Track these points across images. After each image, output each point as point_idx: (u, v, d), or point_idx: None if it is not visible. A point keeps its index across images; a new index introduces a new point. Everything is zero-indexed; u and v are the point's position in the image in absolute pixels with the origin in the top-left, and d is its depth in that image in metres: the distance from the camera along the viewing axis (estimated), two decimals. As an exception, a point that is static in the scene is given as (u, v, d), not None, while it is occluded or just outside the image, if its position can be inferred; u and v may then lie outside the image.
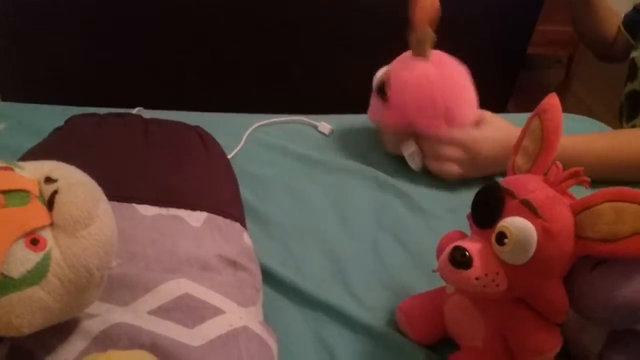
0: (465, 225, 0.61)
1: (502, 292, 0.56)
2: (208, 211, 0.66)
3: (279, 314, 0.67)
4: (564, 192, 0.56)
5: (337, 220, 0.83)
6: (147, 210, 0.63)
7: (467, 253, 0.55)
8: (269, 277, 0.70)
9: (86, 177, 0.45)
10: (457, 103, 0.89)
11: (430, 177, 0.92)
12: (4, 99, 1.12)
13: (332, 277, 0.73)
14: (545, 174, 0.58)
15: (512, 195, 0.55)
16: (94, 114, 0.78)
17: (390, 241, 0.80)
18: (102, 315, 0.49)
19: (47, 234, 0.40)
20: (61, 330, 0.47)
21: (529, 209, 0.53)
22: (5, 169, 0.43)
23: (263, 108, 1.06)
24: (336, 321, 0.67)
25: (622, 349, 0.59)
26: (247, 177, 0.86)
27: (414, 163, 0.92)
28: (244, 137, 0.97)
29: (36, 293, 0.39)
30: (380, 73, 0.92)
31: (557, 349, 0.57)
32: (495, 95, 1.00)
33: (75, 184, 0.43)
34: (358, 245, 0.79)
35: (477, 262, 0.54)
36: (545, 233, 0.53)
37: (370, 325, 0.67)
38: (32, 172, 0.43)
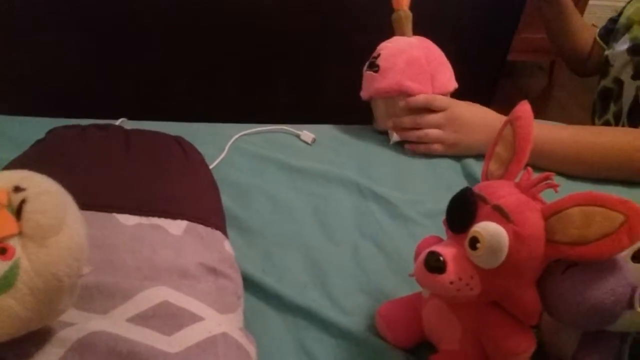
0: (442, 232, 0.62)
1: (476, 295, 0.57)
2: (189, 220, 0.67)
3: (260, 320, 0.68)
4: (534, 197, 0.57)
5: (318, 227, 0.84)
6: (128, 220, 0.63)
7: (441, 258, 0.56)
8: (250, 284, 0.71)
9: (55, 186, 0.45)
10: (440, 70, 1.01)
11: (411, 184, 0.94)
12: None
13: (313, 283, 0.74)
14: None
15: (484, 200, 0.56)
16: (76, 126, 0.79)
17: (370, 247, 0.81)
18: (80, 323, 0.50)
19: (15, 243, 0.41)
20: (36, 338, 0.47)
21: (501, 214, 0.55)
22: (-26, 179, 0.43)
23: (246, 118, 1.07)
24: (316, 327, 0.68)
25: (595, 350, 0.61)
26: (229, 185, 0.87)
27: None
28: (226, 146, 0.97)
29: (5, 301, 0.40)
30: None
31: (531, 351, 0.58)
32: (476, 103, 1.02)
33: (44, 192, 0.43)
34: (338, 251, 0.80)
35: (451, 266, 0.56)
36: (516, 237, 0.54)
37: (350, 330, 0.67)
38: (2, 181, 0.43)
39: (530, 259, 0.55)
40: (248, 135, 1.03)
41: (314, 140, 1.03)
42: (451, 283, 0.56)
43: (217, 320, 0.56)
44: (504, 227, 0.54)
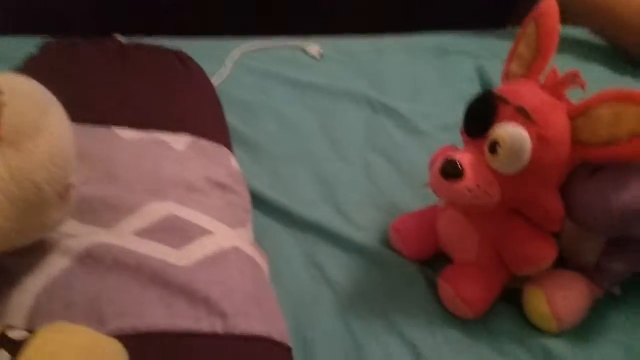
0: (459, 144, 0.59)
1: (496, 203, 0.54)
2: (192, 134, 0.64)
3: (269, 236, 0.66)
4: (560, 97, 0.54)
5: (328, 143, 0.81)
6: (127, 134, 0.60)
7: (458, 164, 0.53)
8: (258, 201, 0.69)
9: (36, 88, 0.42)
10: None
11: (425, 96, 0.90)
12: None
13: (323, 200, 0.72)
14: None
15: (505, 102, 0.53)
16: (69, 40, 0.74)
17: (383, 162, 0.78)
18: (84, 236, 0.48)
19: None
20: (39, 249, 0.46)
21: (523, 116, 0.51)
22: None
23: (246, 29, 1.01)
24: (327, 242, 0.67)
25: (619, 257, 0.59)
26: (233, 103, 0.83)
27: None
28: (228, 63, 0.93)
29: None
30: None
31: (553, 259, 0.56)
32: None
33: (22, 95, 0.40)
34: (349, 167, 0.77)
35: (469, 172, 0.53)
36: (540, 140, 0.51)
37: (363, 245, 0.66)
38: None
39: (555, 163, 0.52)
40: (251, 51, 0.98)
41: (321, 55, 0.98)
42: (469, 190, 0.53)
43: (228, 235, 0.54)
44: (527, 129, 0.51)
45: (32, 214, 0.40)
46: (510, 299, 0.62)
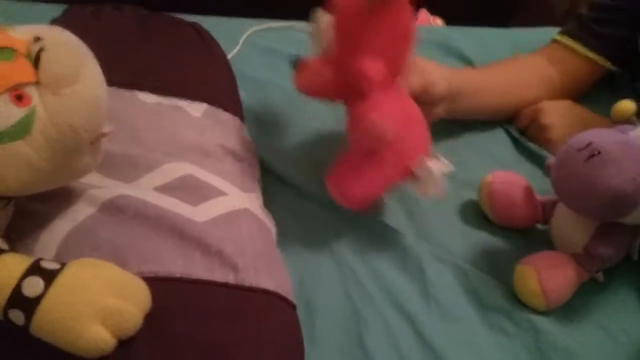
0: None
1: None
2: (208, 103, 0.67)
3: (277, 205, 0.68)
4: None
5: (337, 123, 0.83)
6: (148, 98, 0.63)
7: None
8: (267, 172, 0.71)
9: (73, 38, 0.44)
10: None
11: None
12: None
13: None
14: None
15: None
16: (91, 5, 0.76)
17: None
18: (107, 187, 0.50)
19: (32, 92, 0.40)
20: (66, 196, 0.48)
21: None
22: (-4, 29, 0.42)
23: (259, 13, 1.04)
24: (337, 214, 0.69)
25: (608, 242, 0.62)
26: (244, 80, 0.85)
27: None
28: (240, 40, 0.95)
29: (21, 148, 0.40)
30: None
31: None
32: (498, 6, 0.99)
33: (62, 42, 0.42)
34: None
35: None
36: None
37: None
38: (22, 33, 0.42)
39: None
40: (262, 31, 1.00)
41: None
42: None
43: (240, 197, 0.57)
44: None
45: (65, 157, 0.43)
46: (501, 276, 0.66)
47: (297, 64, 0.63)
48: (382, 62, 0.57)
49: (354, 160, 0.63)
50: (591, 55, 0.89)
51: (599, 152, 0.55)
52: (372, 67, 0.57)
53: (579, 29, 0.90)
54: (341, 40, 0.59)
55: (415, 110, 0.64)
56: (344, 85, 0.60)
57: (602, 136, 0.58)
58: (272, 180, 0.72)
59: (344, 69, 0.59)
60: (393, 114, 0.58)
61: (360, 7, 0.55)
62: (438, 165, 0.60)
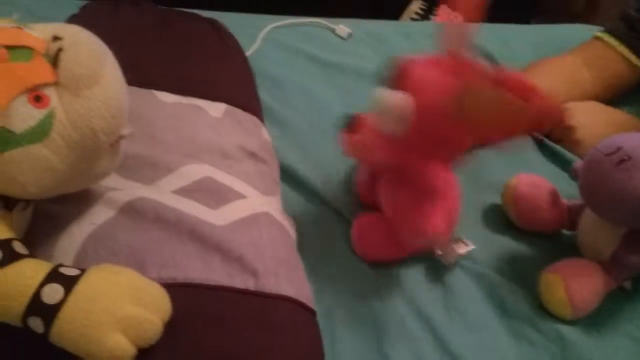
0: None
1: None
2: (227, 103, 0.66)
3: (296, 209, 0.67)
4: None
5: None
6: (167, 97, 0.62)
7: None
8: (287, 174, 0.70)
9: (93, 38, 0.43)
10: None
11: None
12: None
13: (349, 180, 0.73)
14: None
15: None
16: (109, 1, 0.75)
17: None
18: (127, 190, 0.49)
19: (51, 93, 0.39)
20: (85, 198, 0.47)
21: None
22: (14, 27, 0.41)
23: (278, 9, 1.02)
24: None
25: (636, 249, 0.60)
26: (262, 77, 0.84)
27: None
28: (259, 37, 0.94)
29: (40, 151, 0.39)
30: None
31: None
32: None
33: (81, 42, 0.41)
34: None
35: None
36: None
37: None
38: (40, 31, 0.41)
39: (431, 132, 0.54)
40: (281, 28, 0.98)
41: (349, 35, 0.98)
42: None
43: (259, 200, 0.56)
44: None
45: (85, 159, 0.42)
46: (526, 283, 0.64)
47: (348, 123, 0.58)
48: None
49: (380, 223, 0.63)
50: (633, 59, 0.86)
51: (629, 158, 0.54)
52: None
53: (627, 30, 0.86)
54: (417, 136, 0.55)
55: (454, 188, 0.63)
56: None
57: (632, 140, 0.56)
58: (292, 183, 0.70)
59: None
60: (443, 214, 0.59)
61: (444, 110, 0.51)
62: (461, 248, 0.63)
